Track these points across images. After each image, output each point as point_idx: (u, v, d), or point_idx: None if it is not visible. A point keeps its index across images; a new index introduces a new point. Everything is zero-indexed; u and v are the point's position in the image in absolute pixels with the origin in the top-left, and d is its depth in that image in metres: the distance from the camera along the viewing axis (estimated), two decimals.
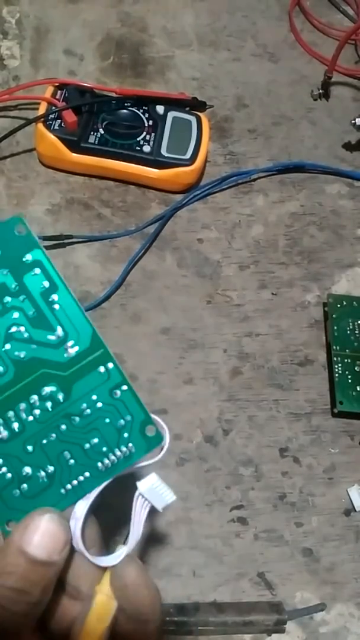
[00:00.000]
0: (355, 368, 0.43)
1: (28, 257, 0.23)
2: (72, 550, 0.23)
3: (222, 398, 0.43)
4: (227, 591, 0.37)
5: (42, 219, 0.47)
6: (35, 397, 0.23)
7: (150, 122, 0.49)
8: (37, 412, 0.23)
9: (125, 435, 0.24)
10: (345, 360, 0.44)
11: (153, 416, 0.24)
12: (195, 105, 0.51)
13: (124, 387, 0.24)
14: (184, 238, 0.48)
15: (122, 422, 0.24)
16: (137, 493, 0.24)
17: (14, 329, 0.23)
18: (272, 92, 0.57)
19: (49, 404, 0.23)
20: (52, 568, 0.21)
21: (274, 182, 0.52)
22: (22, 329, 0.23)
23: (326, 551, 0.39)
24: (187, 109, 0.51)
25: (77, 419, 0.24)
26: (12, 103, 0.51)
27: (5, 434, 0.23)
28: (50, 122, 0.47)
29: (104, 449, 0.24)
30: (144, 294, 0.45)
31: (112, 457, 0.24)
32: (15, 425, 0.23)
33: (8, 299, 0.23)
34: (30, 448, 0.23)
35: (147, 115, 0.49)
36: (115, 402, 0.24)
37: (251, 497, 0.40)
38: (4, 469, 0.23)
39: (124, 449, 0.24)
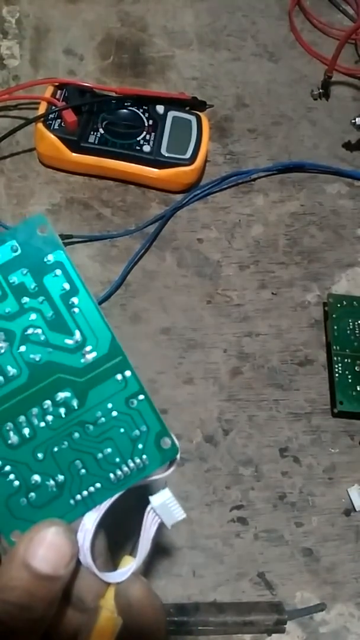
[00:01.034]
0: (355, 368, 0.43)
1: (49, 258, 0.23)
2: (78, 563, 0.22)
3: (222, 398, 0.43)
4: (227, 591, 0.37)
5: None
6: (48, 403, 0.23)
7: (150, 122, 0.49)
8: (49, 418, 0.23)
9: (140, 446, 0.23)
10: (346, 360, 0.44)
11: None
12: (195, 105, 0.51)
13: (141, 397, 0.23)
14: (184, 238, 0.48)
15: (137, 432, 0.23)
16: (148, 508, 0.23)
17: (30, 331, 0.23)
18: (272, 91, 0.57)
19: (62, 410, 0.23)
20: (57, 583, 0.21)
21: (274, 182, 0.52)
22: (39, 331, 0.23)
23: (326, 551, 0.39)
24: (187, 108, 0.51)
25: (91, 427, 0.23)
26: (12, 103, 0.51)
27: (15, 439, 0.23)
28: (50, 122, 0.47)
29: (117, 459, 0.23)
30: (144, 294, 0.45)
31: (125, 469, 0.23)
32: (26, 431, 0.23)
33: (26, 299, 0.23)
34: (40, 455, 0.23)
35: (147, 115, 0.49)
36: (131, 411, 0.23)
37: (251, 497, 0.40)
38: (12, 476, 0.23)
39: (137, 460, 0.23)
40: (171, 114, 0.50)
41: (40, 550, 0.21)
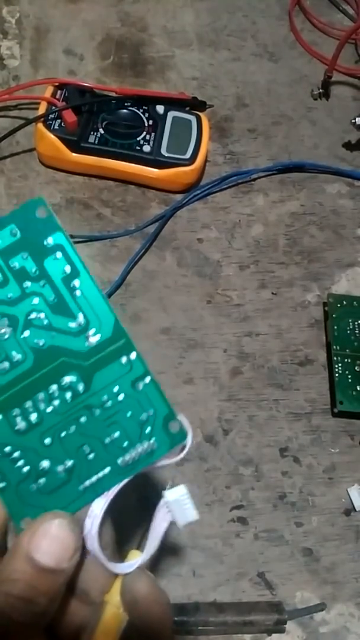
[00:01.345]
0: (356, 368, 0.43)
1: (49, 241, 0.22)
2: (83, 555, 0.22)
3: (222, 398, 0.43)
4: (227, 591, 0.37)
5: None
6: (54, 387, 0.22)
7: (150, 122, 0.49)
8: (56, 402, 0.22)
9: (148, 430, 0.23)
10: (346, 360, 0.44)
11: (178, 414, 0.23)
12: (195, 105, 0.51)
13: (147, 379, 0.23)
14: (184, 238, 0.48)
15: (144, 415, 0.23)
16: (162, 502, 0.23)
17: (33, 315, 0.22)
18: (272, 91, 0.57)
19: (68, 395, 0.22)
20: (60, 576, 0.21)
21: (274, 182, 0.52)
22: (42, 315, 0.22)
23: (326, 551, 0.39)
24: (187, 108, 0.51)
25: (98, 411, 0.23)
26: (12, 103, 0.51)
27: (22, 425, 0.22)
28: (50, 122, 0.47)
29: (125, 443, 0.23)
30: (144, 293, 0.45)
31: (134, 453, 0.23)
32: (33, 416, 0.22)
33: (28, 283, 0.22)
34: (48, 441, 0.22)
35: (147, 115, 0.49)
36: (138, 394, 0.23)
37: (251, 497, 0.40)
38: (21, 462, 0.22)
39: (145, 444, 0.23)
40: (171, 114, 0.50)
41: (43, 543, 0.20)
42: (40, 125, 0.47)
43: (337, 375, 0.43)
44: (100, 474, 0.23)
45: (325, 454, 0.42)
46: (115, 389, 0.23)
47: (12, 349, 0.22)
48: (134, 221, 0.48)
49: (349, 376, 0.43)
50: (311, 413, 0.43)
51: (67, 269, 0.23)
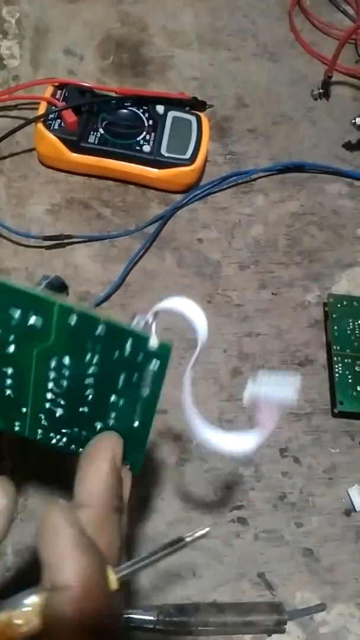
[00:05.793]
0: (356, 368, 0.43)
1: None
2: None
3: (222, 398, 0.43)
4: (227, 591, 0.37)
5: (42, 219, 0.47)
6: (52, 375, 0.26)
7: (150, 122, 0.49)
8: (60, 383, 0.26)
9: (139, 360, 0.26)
10: (346, 360, 0.44)
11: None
12: (195, 105, 0.51)
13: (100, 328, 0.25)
14: (184, 238, 0.48)
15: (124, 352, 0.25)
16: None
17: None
18: (273, 91, 0.57)
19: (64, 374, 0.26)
20: None
21: (274, 182, 0.52)
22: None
23: (326, 551, 0.39)
24: (187, 108, 0.51)
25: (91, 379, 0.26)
26: (11, 103, 0.51)
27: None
28: (50, 122, 0.47)
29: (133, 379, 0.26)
30: (144, 294, 0.45)
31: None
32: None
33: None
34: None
35: (147, 115, 0.49)
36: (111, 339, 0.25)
37: (251, 497, 0.40)
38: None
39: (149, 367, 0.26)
40: (171, 114, 0.50)
41: None
42: (40, 125, 0.47)
43: (337, 375, 0.43)
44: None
45: (325, 454, 0.42)
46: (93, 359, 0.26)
47: None
48: (134, 221, 0.48)
49: (349, 376, 0.43)
50: (311, 413, 0.43)
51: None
